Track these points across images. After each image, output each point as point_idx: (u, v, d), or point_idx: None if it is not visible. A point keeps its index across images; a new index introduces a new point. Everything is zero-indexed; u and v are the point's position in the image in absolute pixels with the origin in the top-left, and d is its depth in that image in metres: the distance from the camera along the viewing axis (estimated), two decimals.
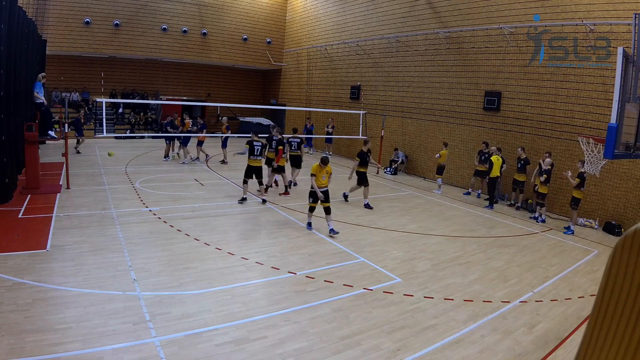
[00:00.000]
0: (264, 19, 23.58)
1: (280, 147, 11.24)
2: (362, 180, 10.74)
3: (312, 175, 8.25)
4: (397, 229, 9.14)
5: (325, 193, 8.39)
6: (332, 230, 8.20)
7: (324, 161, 8.38)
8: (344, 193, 11.26)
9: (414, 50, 15.96)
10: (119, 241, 7.08)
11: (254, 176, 10.27)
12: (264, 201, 10.41)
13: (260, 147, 10.14)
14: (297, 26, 23.20)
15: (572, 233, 9.73)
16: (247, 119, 22.94)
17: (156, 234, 7.65)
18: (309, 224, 8.63)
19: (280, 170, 11.51)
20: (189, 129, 15.26)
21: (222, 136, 16.00)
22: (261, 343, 4.45)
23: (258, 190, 10.95)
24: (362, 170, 10.75)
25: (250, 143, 10.14)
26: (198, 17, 21.63)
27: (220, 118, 18.14)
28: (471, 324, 5.21)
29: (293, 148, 12.21)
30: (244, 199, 10.23)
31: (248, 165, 10.22)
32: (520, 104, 12.49)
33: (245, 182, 10.29)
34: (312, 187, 8.27)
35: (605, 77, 10.33)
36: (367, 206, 10.63)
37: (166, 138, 15.11)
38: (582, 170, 9.58)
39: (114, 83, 22.11)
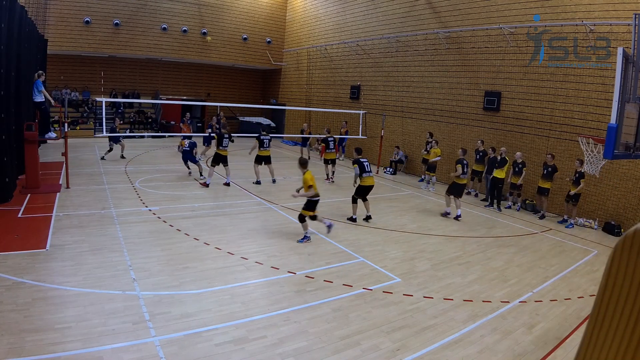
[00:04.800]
0: (264, 18, 23.57)
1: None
2: None
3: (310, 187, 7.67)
4: (397, 228, 9.13)
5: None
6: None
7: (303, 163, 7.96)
8: None
9: (413, 50, 15.96)
10: (119, 241, 7.08)
11: None
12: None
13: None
14: (297, 26, 23.20)
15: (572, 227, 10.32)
16: (247, 118, 22.95)
17: (156, 233, 7.65)
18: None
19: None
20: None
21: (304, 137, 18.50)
22: (261, 343, 4.45)
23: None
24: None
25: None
26: (198, 17, 21.63)
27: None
28: (471, 324, 5.21)
29: (265, 146, 12.30)
30: None
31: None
32: (520, 104, 12.50)
33: None
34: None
35: (605, 77, 10.33)
36: None
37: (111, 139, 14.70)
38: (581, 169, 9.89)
39: (114, 83, 22.09)
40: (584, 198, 10.89)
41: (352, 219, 9.36)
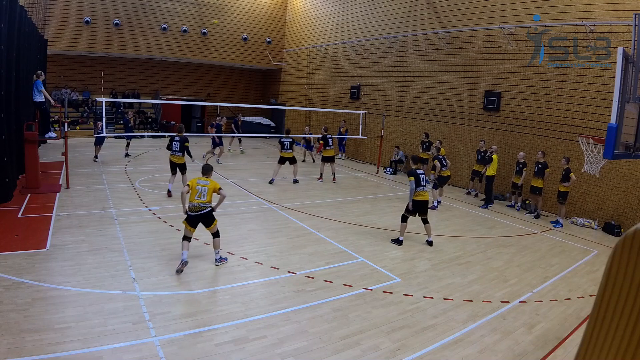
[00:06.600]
0: (264, 18, 23.58)
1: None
2: None
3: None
4: (397, 228, 9.11)
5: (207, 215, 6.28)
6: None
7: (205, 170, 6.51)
8: None
9: (414, 50, 15.96)
10: (119, 241, 7.08)
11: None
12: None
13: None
14: (297, 26, 23.20)
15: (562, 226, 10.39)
16: (247, 118, 22.94)
17: (156, 233, 7.65)
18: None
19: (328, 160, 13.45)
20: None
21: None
22: (260, 343, 4.45)
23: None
24: None
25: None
26: (198, 17, 21.63)
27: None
28: (471, 324, 5.21)
29: (286, 148, 12.67)
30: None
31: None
32: (520, 104, 12.49)
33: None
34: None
35: (605, 77, 10.33)
36: None
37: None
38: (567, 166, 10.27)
39: (114, 82, 22.10)
40: (583, 198, 10.90)
41: (398, 241, 8.05)
